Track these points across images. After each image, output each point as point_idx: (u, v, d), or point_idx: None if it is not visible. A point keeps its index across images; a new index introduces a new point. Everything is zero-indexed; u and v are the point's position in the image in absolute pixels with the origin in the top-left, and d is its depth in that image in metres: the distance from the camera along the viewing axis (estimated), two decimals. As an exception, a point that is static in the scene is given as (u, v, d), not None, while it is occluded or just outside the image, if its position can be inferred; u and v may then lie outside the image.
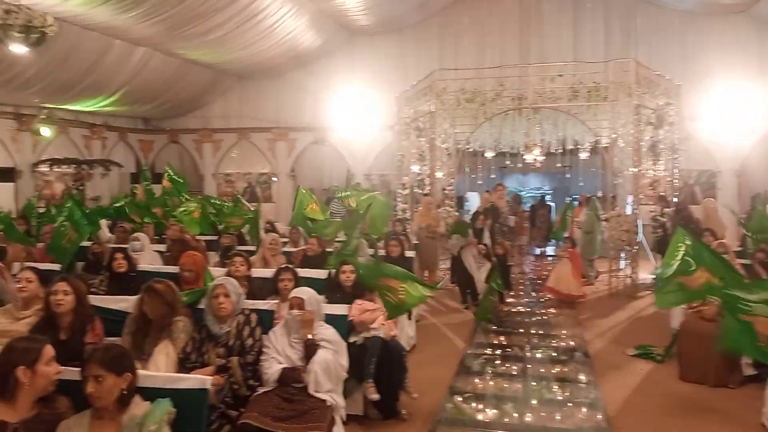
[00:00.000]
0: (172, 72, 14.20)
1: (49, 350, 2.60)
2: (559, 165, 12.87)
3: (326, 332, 3.84)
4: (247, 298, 4.26)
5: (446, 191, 10.87)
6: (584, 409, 5.06)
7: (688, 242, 5.15)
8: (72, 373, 2.69)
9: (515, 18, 15.39)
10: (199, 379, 2.76)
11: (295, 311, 3.81)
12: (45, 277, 4.13)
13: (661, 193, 10.33)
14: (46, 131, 14.19)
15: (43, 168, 14.04)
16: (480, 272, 8.54)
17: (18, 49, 8.25)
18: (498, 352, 6.70)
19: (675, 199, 10.82)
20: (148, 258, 6.69)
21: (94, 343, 3.64)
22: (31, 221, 7.79)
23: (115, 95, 14.05)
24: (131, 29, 11.18)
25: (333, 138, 16.14)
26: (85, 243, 7.61)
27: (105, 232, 8.63)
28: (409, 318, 6.44)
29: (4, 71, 11.06)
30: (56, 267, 5.79)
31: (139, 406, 2.57)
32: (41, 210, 7.94)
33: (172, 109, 16.98)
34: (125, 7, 9.93)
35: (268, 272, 5.42)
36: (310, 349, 3.71)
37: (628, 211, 10.27)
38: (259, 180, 17.67)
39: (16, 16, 7.74)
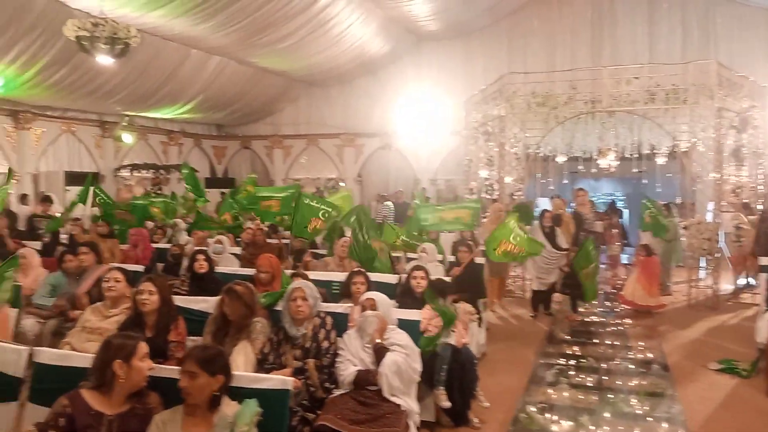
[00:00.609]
0: (245, 80, 14.65)
1: (143, 347, 2.71)
2: (635, 170, 12.43)
3: (398, 336, 3.84)
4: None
5: (515, 197, 10.70)
6: (665, 424, 4.85)
7: None
8: (162, 370, 2.79)
9: (587, 19, 15.04)
10: (281, 380, 2.81)
11: (369, 312, 3.84)
12: (131, 278, 4.31)
13: (744, 201, 9.81)
14: (127, 138, 14.90)
15: (124, 173, 14.73)
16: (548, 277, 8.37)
17: (103, 60, 8.67)
18: (572, 362, 6.51)
19: (759, 207, 10.25)
20: (226, 260, 6.88)
21: (178, 341, 3.77)
22: (113, 224, 8.16)
23: (191, 103, 14.61)
24: (207, 39, 11.59)
25: (399, 143, 16.20)
26: (164, 245, 7.95)
27: (183, 235, 8.94)
28: (479, 325, 6.35)
29: (90, 81, 11.69)
30: (140, 268, 6.03)
31: (229, 406, 2.63)
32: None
33: (244, 116, 17.50)
34: (202, 17, 10.31)
35: (341, 276, 5.47)
36: (379, 352, 3.71)
37: (709, 218, 9.81)
38: (327, 185, 17.94)
39: (102, 29, 8.15)
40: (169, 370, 2.84)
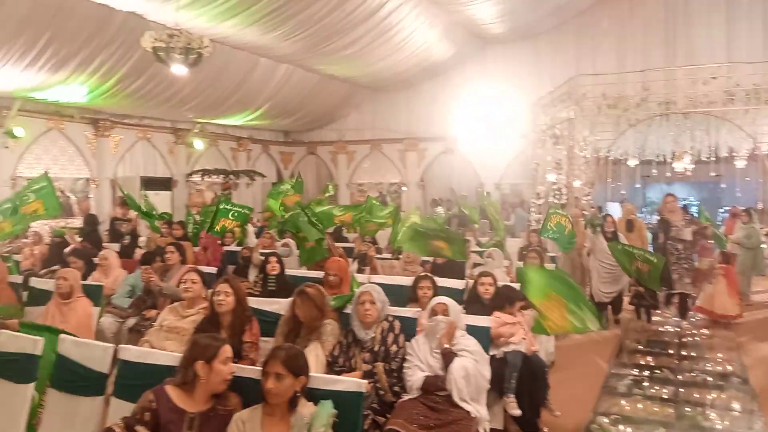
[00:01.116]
0: (311, 87, 14.91)
1: (226, 350, 2.77)
2: (712, 174, 11.91)
3: (467, 342, 3.80)
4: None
5: (583, 201, 10.45)
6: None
7: None
8: (242, 370, 2.86)
9: (660, 18, 14.53)
10: (356, 382, 2.83)
11: (440, 317, 3.82)
12: (205, 279, 4.45)
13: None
14: (198, 144, 15.43)
15: (196, 178, 15.25)
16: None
17: (178, 69, 8.98)
18: (645, 373, 6.28)
19: None
20: (293, 263, 7.01)
21: (252, 342, 3.86)
22: (187, 227, 8.43)
23: (260, 110, 14.99)
24: (275, 47, 11.87)
25: (463, 147, 16.07)
26: (235, 248, 8.16)
27: (252, 238, 9.17)
28: (548, 333, 6.21)
29: (164, 90, 12.18)
30: (213, 270, 6.22)
31: (305, 407, 2.68)
32: (197, 217, 8.58)
33: (310, 123, 17.82)
34: (271, 26, 10.57)
35: (407, 280, 5.47)
36: (447, 357, 3.69)
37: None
38: (390, 190, 18.02)
39: (177, 40, 8.46)
40: (248, 370, 2.91)
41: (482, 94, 15.32)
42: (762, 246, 9.52)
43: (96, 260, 6.45)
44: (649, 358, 6.78)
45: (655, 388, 5.82)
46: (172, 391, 2.69)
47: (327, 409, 2.59)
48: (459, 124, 15.53)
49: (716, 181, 12.28)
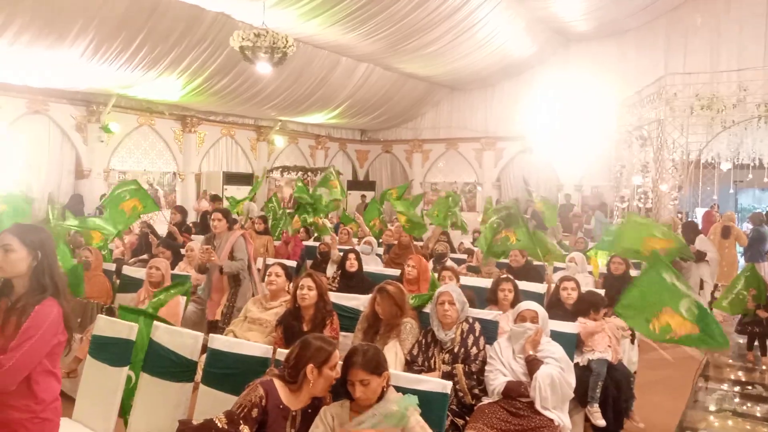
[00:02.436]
0: (389, 85, 15.00)
1: (336, 356, 2.73)
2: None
3: (553, 349, 3.70)
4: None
5: (670, 206, 9.99)
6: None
7: None
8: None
9: (759, 13, 13.67)
10: (441, 383, 2.81)
11: (528, 323, 3.73)
12: (288, 273, 4.55)
13: None
14: (279, 141, 15.83)
15: (276, 174, 15.64)
16: None
17: (263, 68, 9.23)
18: (736, 389, 5.95)
19: None
20: (371, 261, 7.07)
21: (332, 336, 3.91)
22: (269, 222, 8.68)
23: (339, 108, 15.21)
24: (356, 46, 12.00)
25: (542, 147, 15.71)
26: (312, 243, 8.32)
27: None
28: (632, 342, 5.98)
29: (249, 88, 12.56)
30: (293, 263, 6.36)
31: (393, 394, 2.68)
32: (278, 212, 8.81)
33: (386, 121, 17.92)
34: (353, 25, 10.69)
35: (485, 282, 5.41)
36: (532, 365, 3.60)
37: None
38: (464, 189, 17.86)
39: (264, 39, 8.70)
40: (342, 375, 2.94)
41: (564, 93, 14.96)
42: None
43: (183, 251, 6.73)
44: (740, 373, 6.41)
45: (747, 404, 5.51)
46: (280, 388, 2.66)
47: (411, 398, 2.58)
48: (539, 123, 15.24)
49: (817, 187, 11.46)
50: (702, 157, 10.62)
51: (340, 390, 2.71)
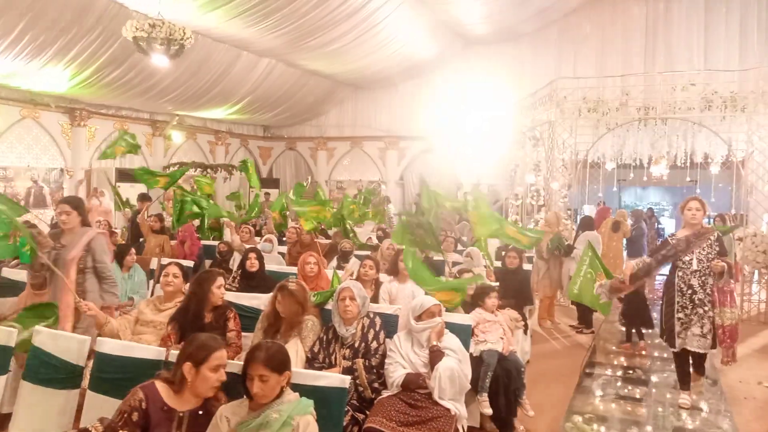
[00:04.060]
0: (292, 82, 14.83)
1: (219, 356, 2.63)
2: (688, 179, 12.10)
3: (451, 341, 3.82)
4: (372, 301, 4.34)
5: (560, 203, 10.55)
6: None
7: None
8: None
9: (640, 24, 14.71)
10: (339, 378, 2.83)
11: (437, 318, 3.82)
12: (186, 273, 4.40)
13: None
14: (176, 136, 15.26)
15: (173, 171, 15.04)
16: None
17: (159, 60, 8.85)
18: (619, 373, 6.38)
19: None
20: (272, 259, 6.97)
21: (237, 330, 3.87)
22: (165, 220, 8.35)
23: (240, 104, 14.86)
24: (258, 41, 11.77)
25: (443, 147, 16.11)
26: (212, 242, 8.09)
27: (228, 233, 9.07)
28: (525, 333, 6.28)
29: (143, 81, 12.00)
30: (190, 263, 6.15)
31: (290, 395, 2.65)
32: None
33: (290, 118, 17.72)
34: (254, 20, 10.48)
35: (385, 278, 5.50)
36: (435, 355, 3.70)
37: (765, 230, 9.48)
38: (368, 188, 17.99)
39: (159, 30, 8.34)
40: (231, 365, 2.87)
41: (464, 95, 15.42)
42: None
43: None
44: (623, 359, 6.89)
45: (629, 388, 5.92)
46: (162, 390, 2.59)
47: (305, 402, 2.56)
48: (439, 123, 15.62)
49: (691, 186, 12.48)
50: (589, 157, 11.28)
51: (235, 390, 2.66)
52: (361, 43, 12.90)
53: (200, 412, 2.62)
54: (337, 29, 11.78)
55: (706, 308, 5.06)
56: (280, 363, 2.62)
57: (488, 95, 14.96)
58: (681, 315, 5.14)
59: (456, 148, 15.77)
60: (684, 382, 5.43)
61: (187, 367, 2.57)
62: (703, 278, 5.07)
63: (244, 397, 2.64)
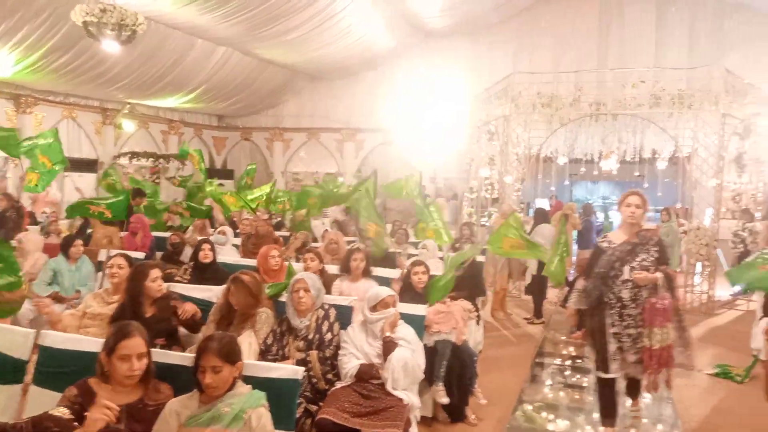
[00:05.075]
0: (249, 71, 14.61)
1: (126, 346, 2.54)
2: (636, 174, 12.46)
3: (405, 331, 3.86)
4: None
5: (514, 197, 10.73)
6: (660, 426, 4.90)
7: None
8: (171, 357, 2.77)
9: (594, 22, 15.02)
10: (292, 369, 2.82)
11: (391, 309, 3.85)
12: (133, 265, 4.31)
13: (747, 207, 9.87)
14: (128, 125, 14.86)
15: (123, 161, 14.67)
16: None
17: (110, 46, 8.59)
18: (567, 363, 6.56)
19: (758, 214, 10.32)
20: (226, 251, 6.88)
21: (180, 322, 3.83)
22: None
23: (195, 92, 14.58)
24: (213, 29, 11.55)
25: (401, 140, 16.14)
26: (163, 234, 7.93)
27: (176, 221, 8.92)
28: (477, 323, 6.38)
29: (94, 67, 11.65)
30: (141, 255, 6.03)
31: (242, 388, 2.62)
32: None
33: (246, 108, 17.46)
34: (210, 7, 10.28)
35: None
36: (388, 346, 3.73)
37: (707, 224, 9.86)
38: (326, 179, 17.90)
39: (110, 15, 8.10)
40: (177, 357, 2.84)
41: (422, 87, 15.47)
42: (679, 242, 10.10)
43: (13, 243, 6.13)
44: (572, 349, 7.07)
45: (577, 376, 6.09)
46: (96, 385, 2.54)
47: (257, 395, 2.55)
48: (398, 116, 15.64)
49: (639, 180, 12.83)
50: (542, 152, 11.50)
51: (183, 383, 2.62)
52: (319, 33, 12.80)
53: (140, 406, 2.56)
54: (295, 18, 11.66)
55: (639, 329, 4.13)
56: (232, 353, 2.60)
57: (446, 89, 15.05)
58: (616, 330, 4.19)
59: (414, 141, 15.83)
60: (608, 416, 4.44)
61: (102, 356, 2.53)
62: (635, 290, 4.12)
63: (195, 390, 2.60)
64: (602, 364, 4.24)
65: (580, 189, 18.69)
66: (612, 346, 4.18)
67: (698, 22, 14.31)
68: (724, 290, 9.63)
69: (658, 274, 4.06)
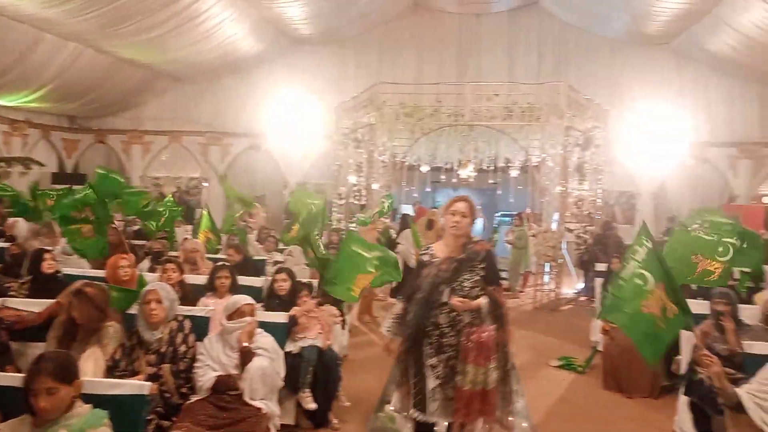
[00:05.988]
0: (103, 70, 13.71)
1: None
2: (491, 181, 13.22)
3: (264, 340, 3.83)
4: (181, 304, 4.17)
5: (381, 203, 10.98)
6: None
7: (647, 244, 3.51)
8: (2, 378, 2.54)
9: (454, 36, 15.76)
10: (138, 385, 2.70)
11: (248, 318, 3.78)
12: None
13: (588, 212, 10.82)
14: (-37, 125, 13.40)
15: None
16: None
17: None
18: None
19: (597, 218, 11.35)
20: (74, 262, 6.40)
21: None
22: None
23: (41, 91, 13.44)
24: (63, 23, 10.75)
25: (269, 145, 15.91)
26: (2, 244, 7.25)
27: (22, 231, 8.16)
28: (343, 327, 6.46)
29: None
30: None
31: (80, 408, 2.46)
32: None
33: (100, 108, 16.37)
34: (54, 2, 9.56)
35: (201, 278, 5.36)
36: (246, 356, 3.68)
37: (554, 227, 10.69)
38: (189, 185, 17.26)
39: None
40: (7, 378, 2.61)
41: (288, 93, 15.35)
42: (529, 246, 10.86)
43: None
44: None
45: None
46: None
47: (98, 414, 2.42)
48: (265, 121, 15.40)
49: (494, 188, 13.67)
50: (406, 160, 11.88)
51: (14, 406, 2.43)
52: (180, 34, 12.32)
53: None
54: (154, 17, 11.13)
55: (458, 361, 3.55)
56: (68, 372, 2.44)
57: (314, 95, 15.06)
58: (433, 361, 3.61)
59: (283, 147, 15.66)
60: None
61: None
62: (453, 314, 3.55)
63: (26, 414, 2.41)
64: (419, 403, 3.65)
65: (442, 196, 19.44)
66: (431, 382, 3.58)
67: (545, 41, 15.51)
68: (568, 288, 10.51)
69: (482, 300, 3.50)
